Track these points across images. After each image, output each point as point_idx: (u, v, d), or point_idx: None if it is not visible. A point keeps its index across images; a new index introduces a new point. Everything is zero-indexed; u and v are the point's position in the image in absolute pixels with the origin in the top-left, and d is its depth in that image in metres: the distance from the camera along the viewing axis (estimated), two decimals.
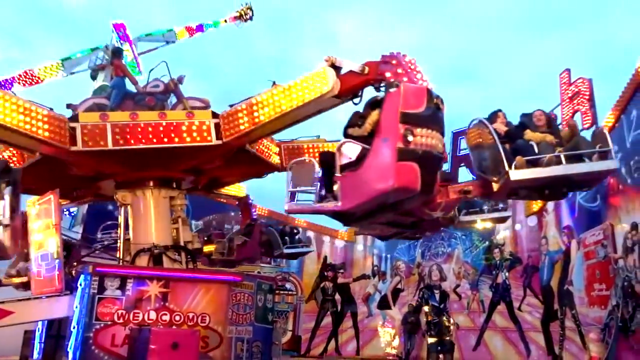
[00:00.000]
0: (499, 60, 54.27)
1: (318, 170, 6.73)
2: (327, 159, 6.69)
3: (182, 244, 10.14)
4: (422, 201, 6.67)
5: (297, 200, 6.91)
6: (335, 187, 6.40)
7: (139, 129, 8.53)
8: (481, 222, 10.10)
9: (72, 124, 8.36)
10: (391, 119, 5.93)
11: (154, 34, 17.34)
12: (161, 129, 8.60)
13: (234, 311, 9.87)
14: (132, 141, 8.47)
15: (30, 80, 14.54)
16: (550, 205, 15.45)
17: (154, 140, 8.55)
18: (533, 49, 52.40)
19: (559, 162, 6.33)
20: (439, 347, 13.38)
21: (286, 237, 13.64)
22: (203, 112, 9.00)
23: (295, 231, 14.45)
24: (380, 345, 19.61)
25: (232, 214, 21.11)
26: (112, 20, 15.96)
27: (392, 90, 6.25)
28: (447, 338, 15.60)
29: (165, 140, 8.57)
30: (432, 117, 6.11)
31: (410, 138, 5.79)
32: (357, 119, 6.79)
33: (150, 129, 8.56)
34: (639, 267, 11.15)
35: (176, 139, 8.60)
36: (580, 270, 13.72)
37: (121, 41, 15.47)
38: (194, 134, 8.66)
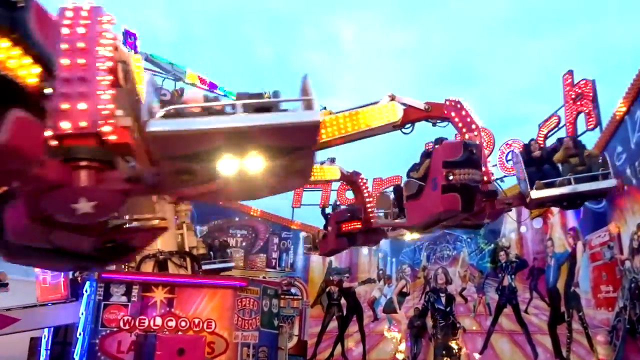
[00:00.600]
0: (497, 60, 54.24)
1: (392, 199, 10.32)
2: (398, 192, 10.11)
3: (187, 249, 10.16)
4: (465, 216, 8.94)
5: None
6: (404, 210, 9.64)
7: None
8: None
9: None
10: (437, 166, 8.38)
11: (162, 61, 17.28)
12: None
13: (240, 316, 9.88)
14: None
15: None
16: (555, 207, 15.39)
17: None
18: (532, 49, 52.34)
19: (569, 183, 8.95)
20: (445, 351, 13.32)
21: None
22: None
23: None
24: (387, 350, 19.53)
25: (237, 219, 21.17)
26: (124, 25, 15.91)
27: (437, 146, 9.01)
28: (454, 341, 15.58)
29: None
30: (467, 161, 8.24)
31: (450, 177, 8.07)
32: (415, 166, 9.51)
33: None
34: None
35: None
36: (586, 272, 13.64)
37: (128, 47, 15.49)
38: None
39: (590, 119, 14.57)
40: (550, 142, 16.25)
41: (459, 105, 9.73)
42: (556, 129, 16.14)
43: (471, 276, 18.31)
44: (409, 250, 20.36)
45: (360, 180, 13.32)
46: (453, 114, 9.66)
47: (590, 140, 14.40)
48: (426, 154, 9.44)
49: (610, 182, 8.95)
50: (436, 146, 9.28)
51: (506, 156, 16.83)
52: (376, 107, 9.53)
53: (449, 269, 18.93)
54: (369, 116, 9.33)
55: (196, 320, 9.18)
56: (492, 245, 17.73)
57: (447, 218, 8.91)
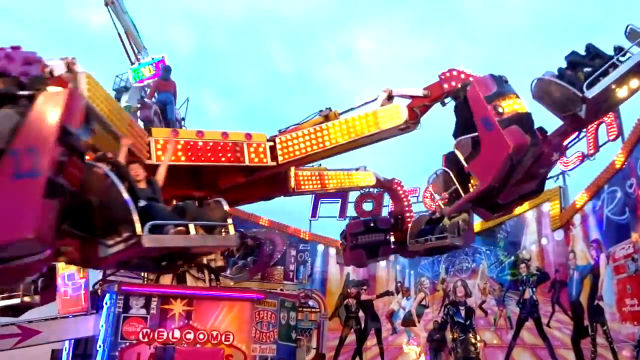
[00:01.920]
0: (519, 71, 53.80)
1: (450, 174, 7.82)
2: (452, 158, 7.88)
3: (205, 262, 10.21)
4: (535, 152, 7.38)
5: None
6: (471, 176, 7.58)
7: (208, 147, 8.85)
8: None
9: (148, 139, 8.57)
10: (480, 105, 7.22)
11: None
12: (228, 147, 8.97)
13: (258, 329, 9.87)
14: (203, 158, 8.76)
15: None
16: (577, 218, 15.15)
17: (223, 159, 8.89)
18: (554, 60, 51.81)
19: None
20: None
21: None
22: (259, 134, 9.42)
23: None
24: None
25: (254, 230, 21.22)
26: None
27: (468, 87, 7.67)
28: (474, 356, 15.34)
29: (232, 158, 8.93)
30: (506, 90, 7.39)
31: (500, 110, 7.03)
32: (458, 126, 7.98)
33: (219, 147, 8.93)
34: None
35: (242, 158, 8.98)
36: (610, 285, 13.37)
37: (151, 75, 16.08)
38: (252, 155, 9.05)
39: (612, 129, 14.38)
40: (570, 152, 16.09)
41: (454, 73, 8.69)
42: (577, 139, 15.94)
43: (491, 289, 18.05)
44: (428, 262, 20.18)
45: (397, 186, 13.17)
46: (454, 83, 8.55)
47: (613, 150, 14.22)
48: (459, 105, 8.09)
49: None
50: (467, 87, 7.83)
51: None
52: (379, 109, 8.92)
53: (468, 282, 18.70)
54: (373, 120, 8.89)
55: (214, 333, 9.19)
56: (512, 258, 17.50)
57: (521, 159, 7.19)
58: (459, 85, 8.29)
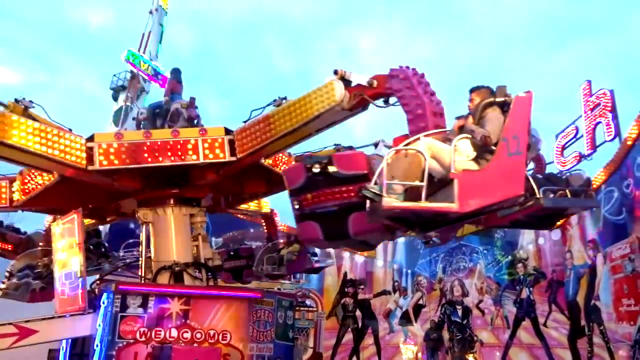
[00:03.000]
0: (520, 71, 53.98)
1: (425, 164, 5.48)
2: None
3: (202, 261, 10.18)
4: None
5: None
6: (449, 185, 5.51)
7: (156, 147, 8.58)
8: None
9: (90, 144, 8.42)
10: (522, 127, 5.53)
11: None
12: (179, 146, 8.63)
13: (255, 328, 9.86)
14: (149, 159, 8.51)
15: None
16: (574, 218, 15.18)
17: (172, 158, 8.57)
18: (555, 60, 52.06)
19: None
20: None
21: None
22: (216, 128, 9.11)
23: None
24: None
25: (252, 230, 21.19)
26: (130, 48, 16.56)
27: (521, 94, 5.81)
28: (471, 355, 15.39)
29: (183, 157, 8.59)
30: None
31: (530, 149, 5.70)
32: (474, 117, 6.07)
33: (168, 146, 8.60)
34: None
35: (194, 157, 8.65)
36: (607, 285, 13.43)
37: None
38: (207, 151, 8.69)
39: (609, 130, 14.43)
40: (567, 152, 16.13)
41: (401, 76, 6.92)
42: (574, 139, 15.99)
43: (488, 288, 18.11)
44: (425, 261, 20.24)
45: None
46: (397, 87, 6.93)
47: (610, 151, 14.27)
48: (499, 104, 5.82)
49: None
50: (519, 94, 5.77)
51: None
52: (315, 90, 7.58)
53: (465, 281, 18.76)
54: (309, 102, 7.62)
55: (211, 332, 9.15)
56: (510, 257, 17.55)
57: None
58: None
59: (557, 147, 16.48)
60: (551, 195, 5.58)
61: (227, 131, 8.88)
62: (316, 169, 7.03)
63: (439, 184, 5.59)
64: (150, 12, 19.02)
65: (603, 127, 14.61)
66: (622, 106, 14.48)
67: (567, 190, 5.78)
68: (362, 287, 20.87)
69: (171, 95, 11.03)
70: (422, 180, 5.34)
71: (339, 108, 7.45)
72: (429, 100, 6.75)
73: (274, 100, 8.64)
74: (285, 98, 8.62)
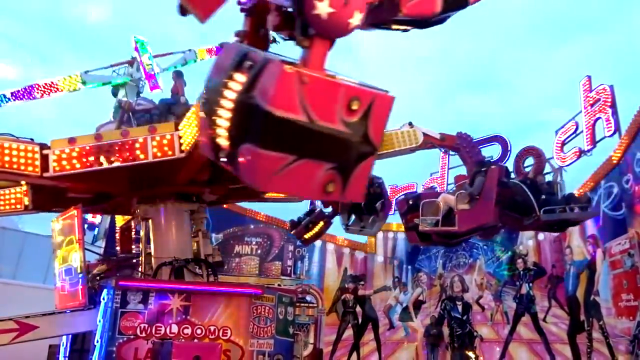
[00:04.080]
0: (520, 68, 53.97)
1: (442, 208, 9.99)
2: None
3: (202, 257, 10.20)
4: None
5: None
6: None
7: (106, 149, 8.44)
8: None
9: (45, 152, 8.31)
10: (492, 186, 9.19)
11: (174, 54, 17.45)
12: (127, 146, 8.51)
13: (255, 324, 9.88)
14: (100, 162, 8.38)
15: (50, 90, 14.53)
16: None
17: (120, 160, 8.43)
18: (555, 57, 51.98)
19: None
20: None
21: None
22: (165, 125, 8.96)
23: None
24: (403, 358, 19.40)
25: (252, 226, 21.24)
26: (135, 34, 16.18)
27: (492, 167, 9.81)
28: (471, 350, 15.39)
29: (130, 157, 8.48)
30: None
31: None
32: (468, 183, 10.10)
33: (116, 148, 8.46)
34: None
35: (141, 156, 8.49)
36: (606, 280, 13.46)
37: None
38: (155, 149, 8.58)
39: (609, 125, 14.42)
40: (568, 148, 16.12)
41: (468, 139, 10.91)
42: (574, 135, 15.98)
43: (488, 284, 18.12)
44: (425, 257, 20.24)
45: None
46: (464, 145, 10.89)
47: (609, 146, 14.26)
48: (478, 173, 9.89)
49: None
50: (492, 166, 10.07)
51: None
52: (400, 132, 10.72)
53: (465, 277, 18.76)
54: (394, 139, 10.55)
55: (212, 328, 9.18)
56: (509, 253, 17.55)
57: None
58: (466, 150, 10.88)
59: (557, 143, 16.46)
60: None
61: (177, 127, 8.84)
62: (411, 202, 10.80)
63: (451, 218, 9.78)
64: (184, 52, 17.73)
65: (603, 123, 14.59)
66: (621, 102, 14.49)
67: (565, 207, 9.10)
68: (362, 283, 20.88)
69: (176, 95, 11.06)
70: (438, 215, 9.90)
71: (412, 149, 10.76)
72: (478, 159, 10.70)
73: None
74: None
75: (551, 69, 51.38)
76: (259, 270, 20.34)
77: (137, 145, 8.52)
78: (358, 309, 20.44)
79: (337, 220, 13.23)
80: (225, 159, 3.25)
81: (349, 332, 20.15)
